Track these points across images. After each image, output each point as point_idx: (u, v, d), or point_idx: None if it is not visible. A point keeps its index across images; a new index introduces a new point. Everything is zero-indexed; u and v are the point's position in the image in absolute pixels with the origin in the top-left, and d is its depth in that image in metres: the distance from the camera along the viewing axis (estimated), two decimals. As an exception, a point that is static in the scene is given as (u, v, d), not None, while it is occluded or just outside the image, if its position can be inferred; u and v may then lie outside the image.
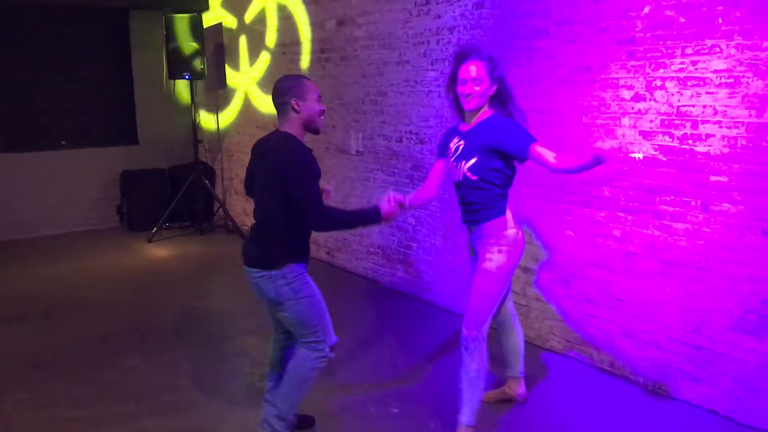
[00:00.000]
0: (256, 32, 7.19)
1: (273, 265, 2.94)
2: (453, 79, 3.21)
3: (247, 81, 7.46)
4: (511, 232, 3.14)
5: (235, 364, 4.17)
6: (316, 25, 6.25)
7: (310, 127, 3.02)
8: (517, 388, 3.60)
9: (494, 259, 3.10)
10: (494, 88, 3.14)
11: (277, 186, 2.90)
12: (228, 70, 7.84)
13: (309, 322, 3.00)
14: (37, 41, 7.44)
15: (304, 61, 6.42)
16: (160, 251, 6.99)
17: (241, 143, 7.82)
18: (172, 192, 7.77)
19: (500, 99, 3.16)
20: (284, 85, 2.99)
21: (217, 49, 7.86)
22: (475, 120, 3.19)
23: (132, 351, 4.37)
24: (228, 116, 8.00)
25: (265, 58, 7.07)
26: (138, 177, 7.98)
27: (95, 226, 7.97)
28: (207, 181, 7.67)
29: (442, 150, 3.39)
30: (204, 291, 5.71)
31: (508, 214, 3.18)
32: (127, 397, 3.77)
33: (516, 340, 3.53)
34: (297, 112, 2.95)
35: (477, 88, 3.10)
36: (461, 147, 3.19)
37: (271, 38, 6.93)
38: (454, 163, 3.22)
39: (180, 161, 8.12)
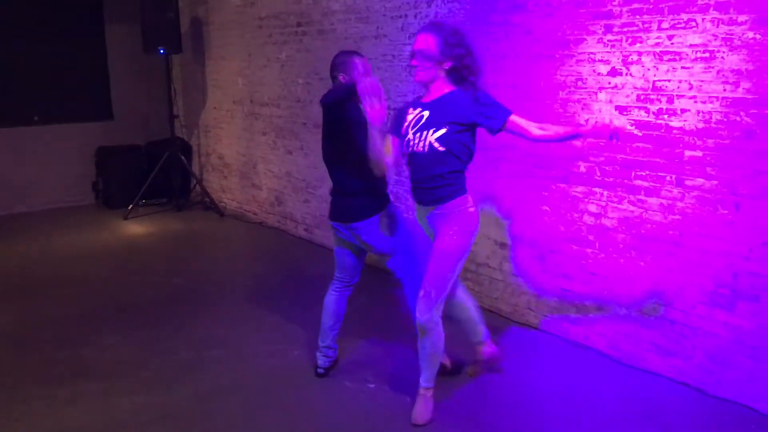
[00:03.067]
0: (231, 5, 7.07)
1: None
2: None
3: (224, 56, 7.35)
4: (471, 210, 3.11)
5: (210, 343, 4.15)
6: (292, -2, 6.15)
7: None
8: (484, 349, 3.58)
9: (455, 240, 3.05)
10: (448, 64, 3.00)
11: None
12: (205, 44, 7.71)
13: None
14: (6, 14, 7.25)
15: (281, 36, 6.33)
16: (136, 228, 6.91)
17: (217, 119, 7.72)
18: (149, 168, 7.66)
19: (461, 76, 3.03)
20: (335, 61, 3.44)
21: (194, 22, 7.73)
22: (435, 93, 3.07)
23: (108, 329, 4.33)
24: (204, 91, 7.89)
25: (240, 32, 6.96)
26: (114, 153, 7.85)
27: (71, 203, 7.86)
28: (184, 158, 7.58)
29: (397, 126, 3.20)
30: (180, 268, 5.66)
31: (468, 193, 3.14)
32: (102, 375, 3.74)
33: (469, 314, 3.48)
34: None
35: (422, 62, 3.00)
36: (425, 117, 3.05)
37: (247, 11, 6.82)
38: (416, 134, 3.06)
39: (156, 137, 8.01)
